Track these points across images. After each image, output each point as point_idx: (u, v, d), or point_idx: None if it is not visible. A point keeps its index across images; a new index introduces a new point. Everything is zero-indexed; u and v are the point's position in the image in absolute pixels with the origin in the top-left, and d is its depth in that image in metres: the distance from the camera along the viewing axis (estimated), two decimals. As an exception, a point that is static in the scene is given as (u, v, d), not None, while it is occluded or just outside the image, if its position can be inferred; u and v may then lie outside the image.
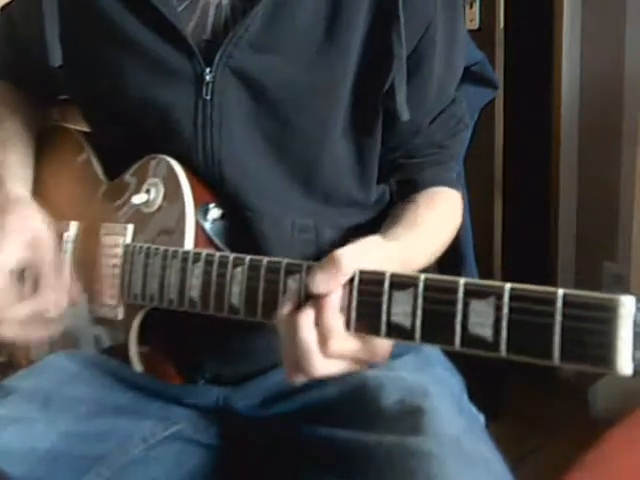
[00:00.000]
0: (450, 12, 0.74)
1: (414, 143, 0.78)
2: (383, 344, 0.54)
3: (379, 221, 0.77)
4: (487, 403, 0.81)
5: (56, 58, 0.73)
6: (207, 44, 0.70)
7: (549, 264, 2.21)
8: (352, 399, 0.71)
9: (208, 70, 0.68)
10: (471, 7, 1.92)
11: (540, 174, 2.25)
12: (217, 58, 0.68)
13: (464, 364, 0.82)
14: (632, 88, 1.93)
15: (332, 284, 0.53)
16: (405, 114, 0.70)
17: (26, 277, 0.73)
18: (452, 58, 0.76)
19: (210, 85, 0.69)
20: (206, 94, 0.69)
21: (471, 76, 0.89)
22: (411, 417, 0.65)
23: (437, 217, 0.76)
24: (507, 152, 2.01)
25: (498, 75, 1.85)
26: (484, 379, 1.75)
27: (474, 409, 0.77)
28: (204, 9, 0.71)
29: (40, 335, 0.74)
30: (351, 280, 0.54)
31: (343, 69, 0.70)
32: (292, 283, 0.56)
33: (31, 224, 0.75)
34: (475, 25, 1.92)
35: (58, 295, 0.72)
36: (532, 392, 2.18)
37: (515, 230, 2.14)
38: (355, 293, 0.54)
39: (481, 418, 0.77)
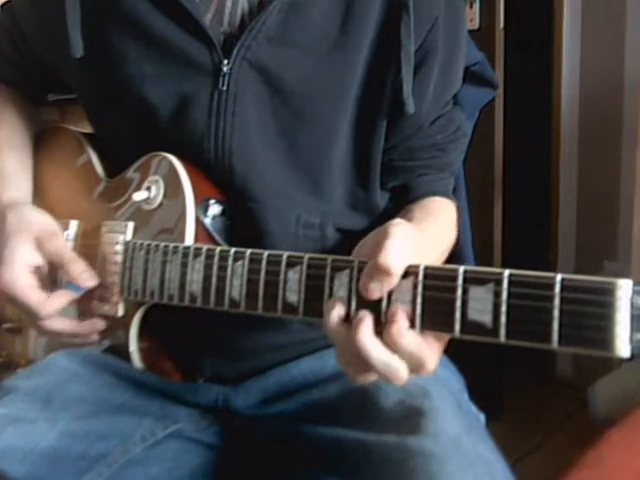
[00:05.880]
0: (453, 19, 0.75)
1: (415, 143, 0.78)
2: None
3: None
4: (487, 403, 0.81)
5: (77, 49, 0.73)
6: (224, 36, 0.71)
7: (549, 264, 2.21)
8: (352, 399, 0.71)
9: (226, 62, 0.69)
10: (471, 7, 1.92)
11: (540, 174, 2.25)
12: (235, 51, 0.69)
13: (464, 364, 0.82)
14: (632, 88, 1.93)
15: (386, 289, 0.52)
16: (411, 106, 0.71)
17: (47, 271, 0.74)
18: (452, 63, 0.77)
19: (227, 76, 0.70)
20: (222, 85, 0.70)
21: (471, 76, 0.89)
22: (411, 417, 0.65)
23: (438, 227, 0.75)
24: (507, 152, 2.01)
25: (498, 75, 1.85)
26: (484, 379, 1.75)
27: (474, 409, 0.77)
28: (221, 1, 0.71)
29: (92, 323, 0.74)
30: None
31: (356, 62, 0.71)
32: (338, 283, 0.55)
33: (33, 219, 0.76)
34: (475, 25, 1.92)
35: (87, 270, 0.72)
36: (532, 392, 2.18)
37: (515, 230, 2.14)
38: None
39: (481, 418, 0.77)
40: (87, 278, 0.72)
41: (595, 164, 2.09)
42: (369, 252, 0.54)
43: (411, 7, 0.69)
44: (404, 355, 0.51)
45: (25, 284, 0.71)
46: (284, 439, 0.74)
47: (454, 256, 0.79)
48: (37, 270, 0.73)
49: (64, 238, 0.77)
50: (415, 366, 0.52)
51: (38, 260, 0.73)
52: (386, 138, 0.75)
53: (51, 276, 0.74)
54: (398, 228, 0.54)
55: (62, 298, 0.72)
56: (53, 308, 0.71)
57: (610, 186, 2.04)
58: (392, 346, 0.51)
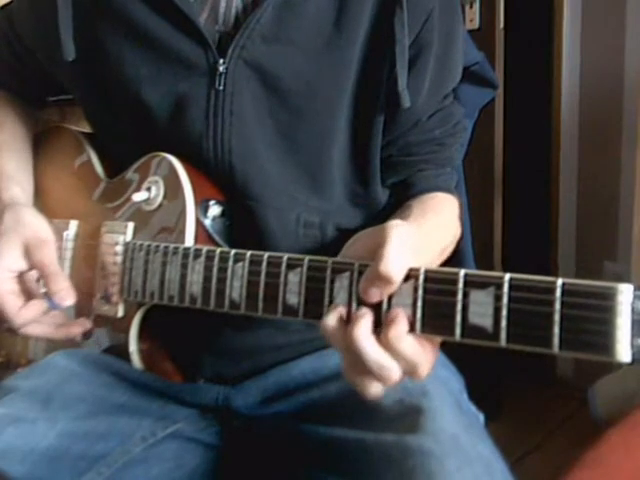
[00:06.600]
0: (448, 12, 0.75)
1: (413, 138, 0.78)
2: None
3: None
4: (487, 403, 0.81)
5: (69, 52, 0.73)
6: (219, 35, 0.71)
7: (549, 264, 2.21)
8: (352, 399, 0.71)
9: (222, 61, 0.69)
10: (471, 7, 1.92)
11: (540, 174, 2.25)
12: (230, 50, 0.69)
13: (464, 364, 0.82)
14: (632, 88, 1.93)
15: (386, 294, 0.52)
16: (406, 100, 0.71)
17: (31, 275, 0.74)
18: (448, 57, 0.77)
19: (223, 76, 0.70)
20: (219, 85, 0.70)
21: (471, 76, 0.89)
22: (410, 416, 0.65)
23: (438, 224, 0.74)
24: (507, 152, 2.01)
25: (498, 75, 1.86)
26: (484, 379, 1.75)
27: (474, 408, 0.77)
28: (215, 0, 0.72)
29: (68, 329, 0.75)
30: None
31: (350, 58, 0.71)
32: (339, 286, 0.55)
33: (28, 222, 0.75)
34: (475, 25, 1.92)
35: (66, 288, 0.72)
36: (532, 392, 2.18)
37: (515, 230, 2.14)
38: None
39: (481, 417, 0.77)
40: (63, 297, 0.71)
41: (595, 164, 2.09)
42: (366, 252, 0.54)
43: (404, 1, 0.69)
44: (400, 359, 0.51)
45: (5, 289, 0.71)
46: (284, 439, 0.74)
47: (454, 256, 0.78)
48: (21, 276, 0.73)
49: (55, 247, 0.75)
50: (408, 370, 0.52)
51: (23, 266, 0.73)
52: (384, 133, 0.75)
53: (37, 282, 0.74)
54: (396, 231, 0.53)
55: (37, 307, 0.72)
56: (26, 318, 0.71)
57: (610, 186, 2.04)
58: (389, 348, 0.51)
